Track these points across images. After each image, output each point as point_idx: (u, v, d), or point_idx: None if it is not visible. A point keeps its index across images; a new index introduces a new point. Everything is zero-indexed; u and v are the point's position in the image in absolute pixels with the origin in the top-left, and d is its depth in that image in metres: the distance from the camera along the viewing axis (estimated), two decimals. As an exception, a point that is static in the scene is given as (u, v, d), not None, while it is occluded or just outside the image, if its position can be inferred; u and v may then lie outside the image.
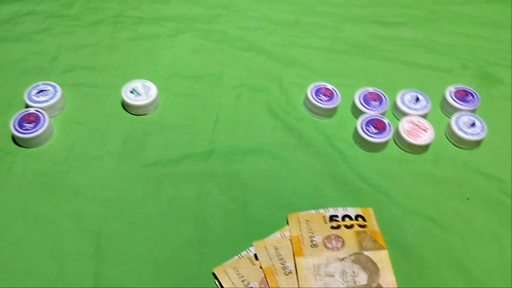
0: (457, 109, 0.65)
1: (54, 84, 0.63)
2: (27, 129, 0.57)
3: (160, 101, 0.65)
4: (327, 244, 0.51)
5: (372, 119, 0.61)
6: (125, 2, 0.79)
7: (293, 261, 0.50)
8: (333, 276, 0.49)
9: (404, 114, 0.64)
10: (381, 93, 0.65)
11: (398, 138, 0.61)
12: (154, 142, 0.61)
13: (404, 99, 0.65)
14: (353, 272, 0.49)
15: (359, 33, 0.77)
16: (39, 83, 0.63)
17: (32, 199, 0.55)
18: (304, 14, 0.80)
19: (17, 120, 0.58)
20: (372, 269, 0.50)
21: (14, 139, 0.59)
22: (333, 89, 0.65)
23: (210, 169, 0.59)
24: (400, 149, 0.62)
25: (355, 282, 0.49)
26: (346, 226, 0.53)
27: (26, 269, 0.50)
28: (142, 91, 0.63)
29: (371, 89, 0.65)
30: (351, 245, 0.51)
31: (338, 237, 0.52)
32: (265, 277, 0.49)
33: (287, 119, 0.64)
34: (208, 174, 0.58)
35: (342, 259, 0.50)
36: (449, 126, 0.63)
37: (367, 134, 0.60)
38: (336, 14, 0.80)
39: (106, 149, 0.60)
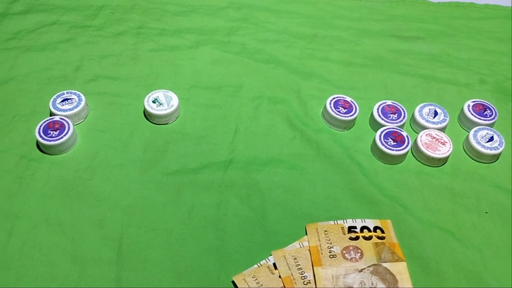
0: (475, 123, 0.65)
1: (78, 92, 0.64)
2: (52, 136, 0.59)
3: (180, 111, 0.66)
4: (346, 255, 0.52)
5: (391, 131, 0.62)
6: (148, 14, 0.81)
7: (311, 271, 0.51)
8: (352, 287, 0.49)
9: (422, 127, 0.64)
10: (399, 106, 0.66)
11: (416, 151, 0.62)
12: (175, 151, 0.62)
13: (423, 112, 0.65)
14: (372, 284, 0.50)
15: (377, 47, 0.78)
16: (64, 91, 0.64)
17: (55, 205, 0.56)
18: (323, 28, 0.81)
19: (42, 128, 0.59)
20: (390, 280, 0.50)
21: (39, 146, 0.60)
22: (351, 101, 0.66)
23: (229, 179, 0.59)
24: (418, 162, 0.62)
25: (373, 293, 0.49)
26: (365, 238, 0.53)
27: (48, 274, 0.50)
28: (164, 101, 0.64)
29: (389, 102, 0.66)
30: (370, 257, 0.52)
31: (356, 248, 0.52)
32: (284, 286, 0.49)
33: (306, 130, 0.65)
34: (227, 184, 0.59)
35: (361, 270, 0.51)
36: (467, 140, 0.63)
37: (386, 147, 0.60)
38: (354, 28, 0.81)
39: (128, 157, 0.61)
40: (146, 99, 0.64)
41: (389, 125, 0.63)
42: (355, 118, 0.65)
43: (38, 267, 0.51)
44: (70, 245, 0.53)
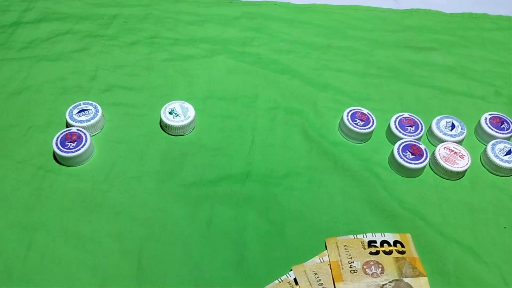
0: (492, 136, 0.65)
1: (94, 103, 0.64)
2: (69, 148, 0.58)
3: (196, 122, 0.66)
4: (367, 270, 0.51)
5: (409, 144, 0.62)
6: (161, 23, 0.80)
7: (332, 287, 0.50)
8: (374, 302, 0.49)
9: (440, 140, 0.64)
10: (416, 118, 0.65)
11: (434, 164, 0.61)
12: (192, 162, 0.62)
13: (440, 125, 0.65)
14: (394, 299, 0.49)
15: (391, 58, 0.78)
16: (80, 102, 0.64)
17: (73, 218, 0.55)
18: (337, 38, 0.81)
19: (60, 139, 0.59)
20: (412, 296, 0.50)
21: (55, 157, 0.60)
22: (368, 113, 0.65)
23: (247, 191, 0.59)
24: (436, 175, 0.62)
25: (396, 310, 0.49)
26: (385, 252, 0.53)
27: None
28: (180, 112, 0.64)
29: (406, 115, 0.66)
30: (391, 272, 0.51)
31: (377, 263, 0.52)
32: (306, 302, 0.49)
33: (322, 142, 0.64)
34: (245, 196, 0.59)
35: (382, 286, 0.50)
36: (484, 153, 0.63)
37: (404, 160, 0.60)
38: (368, 39, 0.81)
39: (145, 168, 0.60)
40: (162, 111, 0.64)
41: (407, 138, 0.63)
42: (373, 130, 0.64)
43: (58, 281, 0.50)
44: (90, 258, 0.52)
